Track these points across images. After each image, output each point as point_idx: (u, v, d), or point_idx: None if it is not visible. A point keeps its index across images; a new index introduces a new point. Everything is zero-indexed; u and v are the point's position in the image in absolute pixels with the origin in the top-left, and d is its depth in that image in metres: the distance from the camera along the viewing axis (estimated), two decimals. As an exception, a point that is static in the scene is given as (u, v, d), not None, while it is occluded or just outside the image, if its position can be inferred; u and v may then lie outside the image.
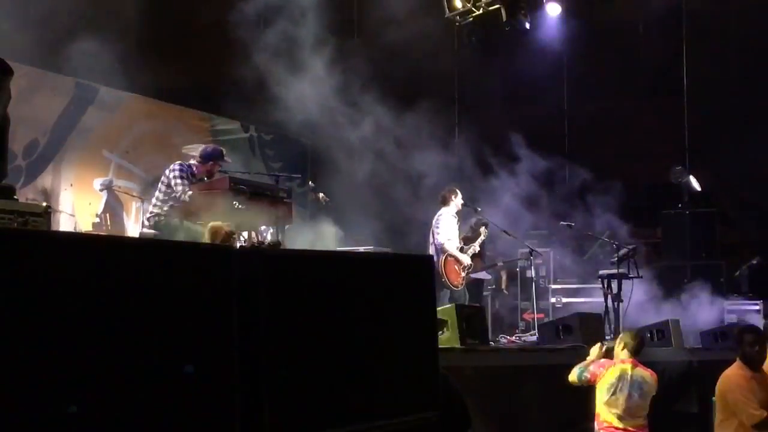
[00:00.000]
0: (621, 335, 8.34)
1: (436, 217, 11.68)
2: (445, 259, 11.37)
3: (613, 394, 7.67)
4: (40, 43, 11.85)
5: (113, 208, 12.32)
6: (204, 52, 14.35)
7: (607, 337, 11.13)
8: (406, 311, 3.54)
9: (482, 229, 12.13)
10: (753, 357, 7.33)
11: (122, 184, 12.55)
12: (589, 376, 7.83)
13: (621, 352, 7.95)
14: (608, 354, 8.11)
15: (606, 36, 16.74)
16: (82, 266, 2.40)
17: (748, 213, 16.01)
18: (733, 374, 7.22)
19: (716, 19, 15.97)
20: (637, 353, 7.95)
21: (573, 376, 7.94)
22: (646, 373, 7.81)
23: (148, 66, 12.98)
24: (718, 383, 7.33)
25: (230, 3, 12.59)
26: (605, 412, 7.68)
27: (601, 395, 7.73)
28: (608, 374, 7.74)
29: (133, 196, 12.29)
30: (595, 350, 8.18)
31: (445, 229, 11.54)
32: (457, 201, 11.74)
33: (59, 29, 12.10)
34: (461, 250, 11.64)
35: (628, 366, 7.79)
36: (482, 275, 12.47)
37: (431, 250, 11.58)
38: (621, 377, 7.71)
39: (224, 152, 9.96)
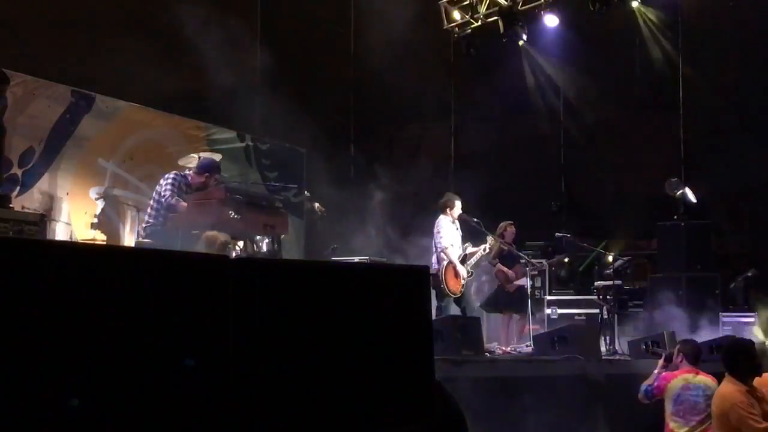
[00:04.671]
0: (678, 346, 8.51)
1: (435, 224, 11.71)
2: (446, 267, 11.40)
3: (680, 403, 7.82)
4: (35, 52, 11.87)
5: (109, 217, 12.31)
6: (201, 60, 14.37)
7: (602, 348, 11.18)
8: (401, 321, 3.53)
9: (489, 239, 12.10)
10: (755, 370, 7.36)
11: (118, 193, 12.53)
12: (654, 390, 8.06)
13: (680, 363, 8.14)
14: (668, 360, 8.35)
15: (603, 48, 16.78)
16: (78, 275, 2.40)
17: (743, 225, 16.03)
18: (730, 391, 7.20)
19: (712, 33, 16.01)
20: (696, 361, 8.16)
21: (640, 395, 8.20)
22: (708, 380, 7.96)
23: (144, 74, 12.99)
24: (715, 403, 7.32)
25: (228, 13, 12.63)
26: (673, 422, 7.86)
27: (669, 406, 7.96)
28: (672, 385, 7.94)
29: (129, 206, 12.28)
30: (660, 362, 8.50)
31: (446, 235, 11.56)
32: (455, 210, 11.76)
33: (56, 38, 12.13)
34: (464, 259, 11.64)
35: (690, 375, 7.97)
36: (523, 281, 12.44)
37: (433, 259, 11.61)
38: (685, 386, 7.87)
39: (220, 166, 10.01)
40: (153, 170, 12.71)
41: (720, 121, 16.08)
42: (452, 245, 11.55)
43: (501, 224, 12.68)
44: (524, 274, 12.48)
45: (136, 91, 13.10)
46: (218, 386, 2.75)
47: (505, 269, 12.44)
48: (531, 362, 9.94)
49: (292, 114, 14.10)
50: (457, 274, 11.48)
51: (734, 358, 7.36)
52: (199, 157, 10.50)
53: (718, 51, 15.96)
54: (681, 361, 8.22)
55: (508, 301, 12.45)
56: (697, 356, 8.30)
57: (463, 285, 11.58)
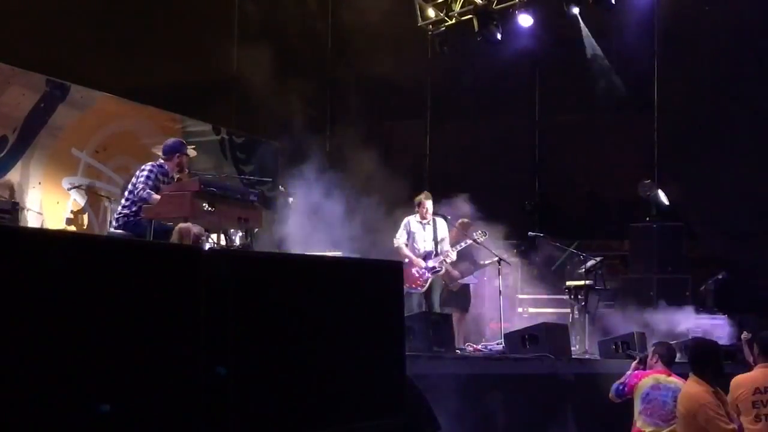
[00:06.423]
0: (654, 347, 8.60)
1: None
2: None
3: (649, 402, 7.91)
4: (11, 40, 11.79)
5: (82, 207, 12.24)
6: (177, 52, 14.32)
7: (573, 348, 11.24)
8: (373, 316, 3.53)
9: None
10: (720, 372, 7.43)
11: (91, 183, 12.47)
12: (625, 388, 8.20)
13: (655, 364, 8.23)
14: (642, 362, 8.45)
15: (577, 49, 16.82)
16: (50, 262, 2.39)
17: (714, 227, 16.13)
18: (698, 392, 7.22)
19: (687, 36, 16.10)
20: (670, 364, 8.25)
21: (611, 394, 8.32)
22: (679, 382, 8.00)
23: (119, 65, 12.92)
24: (681, 402, 7.36)
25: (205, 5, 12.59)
26: (641, 421, 7.95)
27: (637, 404, 8.05)
28: (643, 384, 8.04)
29: (102, 196, 12.21)
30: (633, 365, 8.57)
31: (400, 232, 11.68)
32: (423, 208, 11.78)
33: (31, 26, 12.04)
34: (436, 253, 11.63)
35: (661, 375, 8.05)
36: (469, 280, 12.49)
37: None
38: (654, 386, 7.96)
39: (184, 141, 9.98)
40: (126, 161, 12.65)
41: (693, 124, 16.18)
42: (403, 244, 11.59)
43: (464, 222, 12.64)
44: (470, 273, 12.51)
45: (112, 82, 13.04)
46: (189, 378, 2.74)
47: (449, 268, 12.36)
48: (502, 360, 9.96)
49: (267, 108, 14.07)
50: (414, 268, 11.49)
51: (700, 359, 7.42)
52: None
53: (693, 54, 16.05)
54: (656, 362, 8.31)
55: (450, 299, 12.41)
56: (672, 358, 8.39)
57: (426, 280, 11.56)
